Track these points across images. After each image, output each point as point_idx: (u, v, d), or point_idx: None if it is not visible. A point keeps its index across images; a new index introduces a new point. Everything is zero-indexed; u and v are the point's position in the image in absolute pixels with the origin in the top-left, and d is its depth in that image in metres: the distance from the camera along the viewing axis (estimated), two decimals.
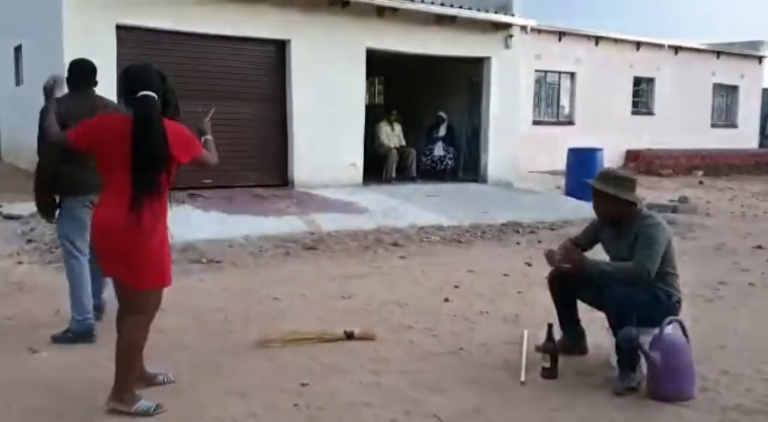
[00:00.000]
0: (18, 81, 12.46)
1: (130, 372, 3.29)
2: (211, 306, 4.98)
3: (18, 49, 12.15)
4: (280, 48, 10.49)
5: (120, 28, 9.07)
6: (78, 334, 4.28)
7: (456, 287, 5.96)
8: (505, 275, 6.45)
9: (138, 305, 3.29)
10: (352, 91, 11.12)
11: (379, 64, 12.11)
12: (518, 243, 8.21)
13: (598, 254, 4.13)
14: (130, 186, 3.11)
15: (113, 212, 3.14)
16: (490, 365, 4.11)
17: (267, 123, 10.50)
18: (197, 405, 3.44)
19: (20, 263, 6.34)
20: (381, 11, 11.12)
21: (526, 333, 4.49)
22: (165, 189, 3.24)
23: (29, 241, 7.07)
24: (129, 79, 3.25)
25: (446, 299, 5.53)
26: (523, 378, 3.84)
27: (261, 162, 10.37)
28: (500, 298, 5.64)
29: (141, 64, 3.34)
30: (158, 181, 3.17)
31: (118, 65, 8.97)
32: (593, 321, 4.31)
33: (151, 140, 3.10)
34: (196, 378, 3.78)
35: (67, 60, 8.99)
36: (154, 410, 3.27)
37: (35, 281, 5.75)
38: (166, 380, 3.65)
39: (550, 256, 4.05)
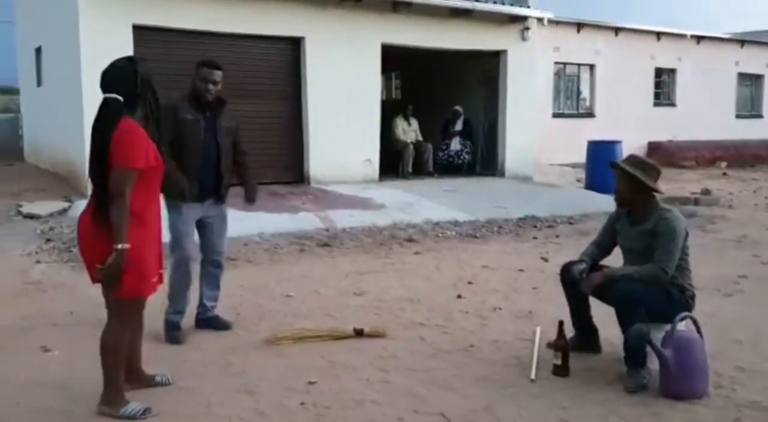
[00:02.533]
0: (39, 82, 12.61)
1: (114, 376, 3.27)
2: (224, 304, 4.98)
3: (38, 51, 12.29)
4: (294, 45, 10.50)
5: (136, 28, 9.13)
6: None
7: (470, 283, 5.92)
8: (521, 270, 6.40)
9: (113, 311, 3.24)
10: (368, 87, 11.10)
11: (395, 59, 12.09)
12: (535, 238, 8.14)
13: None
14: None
15: (84, 217, 3.20)
16: (501, 362, 4.07)
17: (282, 120, 10.52)
18: (206, 403, 3.45)
19: (38, 262, 6.41)
20: (396, 6, 11.08)
21: (538, 329, 4.45)
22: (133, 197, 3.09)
23: (48, 240, 7.15)
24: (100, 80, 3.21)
25: (459, 296, 5.49)
26: (533, 376, 3.80)
27: (277, 159, 10.39)
28: (514, 294, 5.59)
29: (111, 63, 3.23)
30: (104, 186, 3.08)
31: None
32: (606, 318, 4.25)
33: (92, 145, 3.12)
34: (206, 376, 3.80)
35: (84, 60, 9.15)
36: (142, 414, 3.25)
37: (52, 281, 5.80)
38: (164, 381, 3.64)
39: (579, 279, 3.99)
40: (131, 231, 3.06)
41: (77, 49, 8.87)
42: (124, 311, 3.24)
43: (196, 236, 4.53)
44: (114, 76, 3.16)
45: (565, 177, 14.04)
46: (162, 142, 4.06)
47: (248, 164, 4.65)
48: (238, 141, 4.56)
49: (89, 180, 3.14)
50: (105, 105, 3.13)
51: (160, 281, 3.41)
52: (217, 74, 4.34)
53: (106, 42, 8.87)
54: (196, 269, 4.55)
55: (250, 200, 4.64)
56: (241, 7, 9.76)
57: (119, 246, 3.02)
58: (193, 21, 9.44)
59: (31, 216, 8.36)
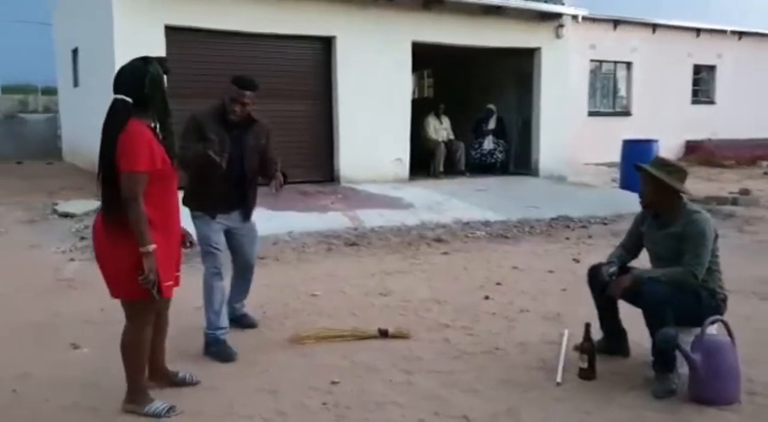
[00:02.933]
0: (75, 82, 12.85)
1: (136, 375, 3.29)
2: (251, 302, 4.99)
3: (75, 52, 12.53)
4: (325, 45, 10.52)
5: (169, 29, 9.23)
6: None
7: (498, 284, 5.85)
8: (550, 271, 6.31)
9: (128, 313, 3.26)
10: (399, 85, 11.07)
11: (427, 57, 12.02)
12: (567, 239, 8.02)
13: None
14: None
15: (96, 217, 3.23)
16: (526, 365, 4.01)
17: (313, 120, 10.55)
18: (228, 403, 3.47)
19: (72, 259, 6.52)
20: (427, 4, 11.03)
21: (566, 332, 4.38)
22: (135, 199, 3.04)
23: (82, 238, 7.26)
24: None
25: (486, 297, 5.43)
26: (559, 379, 3.74)
27: (307, 158, 10.42)
28: (543, 296, 5.51)
29: (125, 64, 3.19)
30: (110, 188, 3.09)
31: None
32: (635, 320, 4.15)
33: (101, 147, 3.10)
34: (230, 375, 3.81)
35: (119, 61, 9.27)
36: (167, 412, 3.27)
37: (85, 278, 5.87)
38: (189, 379, 3.65)
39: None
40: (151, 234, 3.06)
41: (111, 50, 9.01)
42: (138, 312, 3.23)
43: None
44: (123, 77, 3.12)
45: (600, 177, 13.83)
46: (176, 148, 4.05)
47: (276, 160, 4.32)
48: (269, 151, 4.31)
49: (98, 183, 3.13)
50: (112, 107, 3.10)
51: (177, 284, 3.39)
52: (248, 95, 4.07)
53: (139, 43, 8.96)
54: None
55: (270, 177, 4.19)
56: (272, 7, 9.81)
57: (145, 249, 3.02)
58: (224, 21, 9.52)
59: (66, 215, 8.51)
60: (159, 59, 3.22)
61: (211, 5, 9.41)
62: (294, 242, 7.22)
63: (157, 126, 3.21)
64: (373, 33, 10.66)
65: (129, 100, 3.08)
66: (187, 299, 4.56)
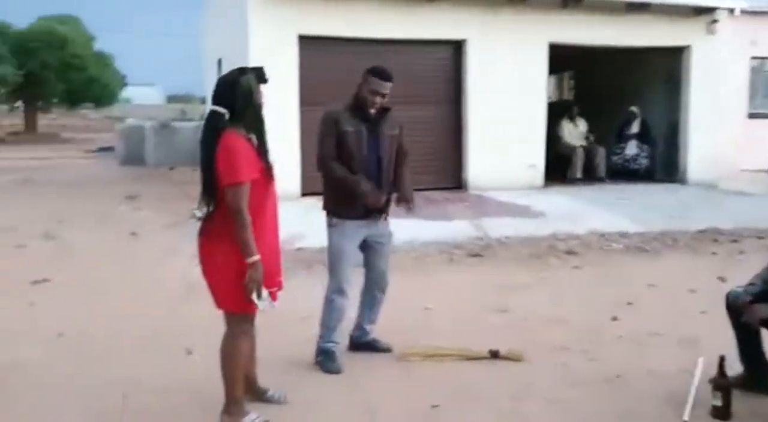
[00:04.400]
0: None
1: (232, 386, 3.27)
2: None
3: (219, 63, 13.15)
4: (456, 48, 10.32)
5: (302, 38, 9.41)
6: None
7: (629, 303, 5.39)
8: (691, 291, 5.74)
9: (228, 323, 3.27)
10: (533, 88, 10.64)
11: (568, 58, 11.49)
12: (714, 254, 7.30)
13: None
14: None
15: (200, 229, 3.25)
16: (652, 396, 3.62)
17: (441, 125, 10.37)
18: (325, 419, 3.36)
19: (197, 265, 6.73)
20: (565, 3, 10.53)
21: (701, 361, 3.91)
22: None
23: None
24: None
25: (615, 318, 5.01)
26: (686, 417, 3.33)
27: (435, 165, 10.24)
28: (680, 318, 5.00)
29: (224, 74, 3.25)
30: (212, 200, 3.13)
31: (300, 74, 9.37)
32: None
33: (201, 157, 3.11)
34: (329, 390, 3.74)
35: None
36: None
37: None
38: (278, 398, 3.57)
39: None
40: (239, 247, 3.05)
41: (247, 61, 9.30)
42: (238, 322, 3.24)
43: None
44: (218, 88, 3.16)
45: (759, 184, 12.57)
46: (324, 153, 4.06)
47: (408, 166, 4.31)
48: (402, 143, 4.28)
49: (202, 195, 3.16)
50: (207, 118, 3.15)
51: (280, 287, 3.35)
52: (388, 86, 4.07)
53: (274, 53, 9.26)
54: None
55: (403, 201, 4.20)
56: (402, 12, 9.75)
57: (251, 260, 3.03)
58: (355, 29, 9.57)
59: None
60: (256, 70, 3.21)
61: (343, 14, 9.49)
62: (414, 252, 7.06)
63: (253, 137, 3.18)
64: (507, 35, 10.32)
65: (223, 111, 3.09)
66: (295, 310, 4.55)
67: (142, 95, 48.11)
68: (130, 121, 18.56)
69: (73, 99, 26.14)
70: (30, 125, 25.91)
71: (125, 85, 29.56)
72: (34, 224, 8.14)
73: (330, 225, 4.13)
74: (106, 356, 4.29)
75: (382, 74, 4.06)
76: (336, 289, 4.09)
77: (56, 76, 24.00)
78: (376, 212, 4.11)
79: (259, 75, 3.18)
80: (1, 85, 22.79)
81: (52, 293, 5.69)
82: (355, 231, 4.09)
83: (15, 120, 28.93)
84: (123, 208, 8.59)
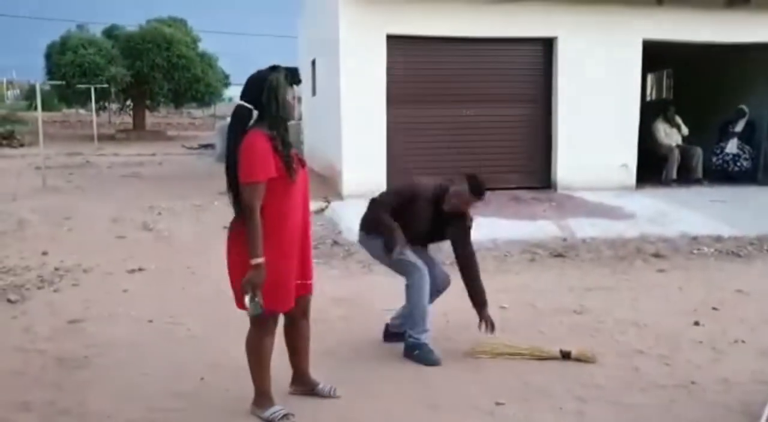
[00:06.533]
0: (314, 91, 13.83)
1: (258, 380, 3.33)
2: (435, 310, 4.98)
3: (313, 63, 13.49)
4: (546, 46, 10.16)
5: (390, 38, 9.54)
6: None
7: (714, 309, 5.22)
8: None
9: (252, 320, 3.27)
10: (625, 87, 10.33)
11: (667, 56, 11.05)
12: None
13: None
14: None
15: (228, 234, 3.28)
16: (725, 406, 3.51)
17: (530, 124, 10.24)
18: (386, 414, 3.45)
19: None
20: None
21: None
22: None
23: None
24: None
25: (696, 323, 4.86)
26: None
27: (523, 164, 10.16)
28: (765, 326, 4.79)
29: (256, 71, 3.20)
30: (235, 197, 3.14)
31: (388, 73, 9.52)
32: None
33: (225, 155, 3.18)
34: (395, 385, 3.80)
35: (343, 71, 9.84)
36: (280, 419, 3.28)
37: None
38: (328, 391, 3.60)
39: None
40: (264, 245, 3.06)
41: (338, 60, 9.54)
42: (258, 321, 3.24)
43: None
44: (247, 84, 3.16)
45: None
46: (385, 203, 4.18)
47: (480, 280, 4.36)
48: (467, 243, 4.31)
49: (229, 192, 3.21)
50: (233, 114, 3.17)
51: (309, 291, 3.41)
52: (479, 203, 4.22)
53: (362, 52, 9.45)
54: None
55: (483, 319, 4.30)
56: (491, 10, 9.68)
57: (254, 261, 3.03)
58: (443, 27, 9.60)
59: None
60: (289, 69, 3.20)
61: (431, 13, 9.54)
62: (496, 251, 7.06)
63: (275, 135, 3.13)
64: (599, 32, 10.08)
65: (249, 106, 3.12)
66: (373, 302, 4.68)
67: None
68: (229, 119, 19.21)
69: (178, 98, 27.26)
70: (138, 123, 27.23)
71: (228, 84, 30.53)
72: (135, 216, 8.64)
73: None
74: (189, 341, 4.54)
75: (478, 191, 4.13)
76: (417, 282, 4.13)
77: (163, 75, 25.12)
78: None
79: (293, 75, 3.18)
80: (112, 85, 24.02)
81: (145, 281, 6.05)
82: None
83: (125, 119, 30.60)
84: (217, 203, 8.97)
